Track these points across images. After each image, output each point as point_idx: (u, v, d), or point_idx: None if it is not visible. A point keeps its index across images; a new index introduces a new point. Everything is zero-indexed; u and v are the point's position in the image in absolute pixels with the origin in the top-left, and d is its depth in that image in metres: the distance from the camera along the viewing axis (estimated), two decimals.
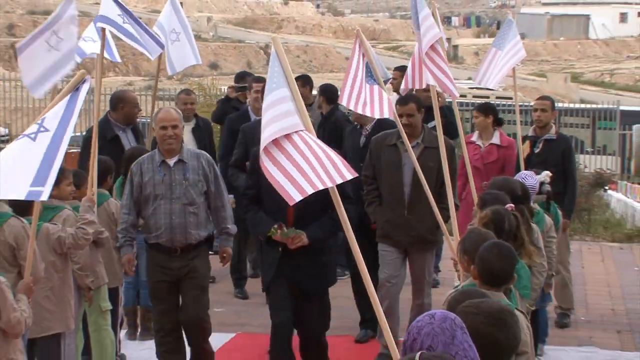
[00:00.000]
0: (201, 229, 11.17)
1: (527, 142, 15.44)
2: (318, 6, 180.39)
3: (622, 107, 37.83)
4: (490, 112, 15.91)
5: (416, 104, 12.05)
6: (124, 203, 11.40)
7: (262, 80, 15.48)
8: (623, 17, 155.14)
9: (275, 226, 10.59)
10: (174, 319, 10.82)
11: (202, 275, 11.23)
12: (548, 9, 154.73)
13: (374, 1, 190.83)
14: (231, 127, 16.19)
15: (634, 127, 23.39)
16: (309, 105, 16.95)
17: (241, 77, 20.72)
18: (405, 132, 11.65)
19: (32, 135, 9.28)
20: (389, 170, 11.48)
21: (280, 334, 10.93)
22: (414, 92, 15.36)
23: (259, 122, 10.91)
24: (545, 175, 12.85)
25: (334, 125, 16.39)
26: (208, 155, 11.11)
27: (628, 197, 28.00)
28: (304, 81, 18.60)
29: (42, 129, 9.39)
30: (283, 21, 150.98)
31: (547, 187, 13.20)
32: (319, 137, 11.44)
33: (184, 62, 18.09)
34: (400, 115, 11.73)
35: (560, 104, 38.12)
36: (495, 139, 15.26)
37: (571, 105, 46.09)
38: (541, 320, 13.13)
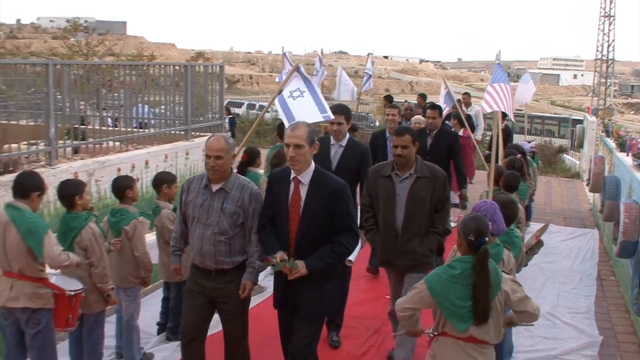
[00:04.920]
0: (235, 255, 6.20)
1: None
2: (435, 64, 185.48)
3: (572, 117, 39.14)
4: (456, 119, 13.60)
5: (411, 136, 7.06)
6: (177, 214, 6.67)
7: (395, 107, 11.19)
8: (575, 77, 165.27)
9: (265, 261, 6.08)
10: (198, 331, 6.32)
11: (235, 301, 6.23)
12: (541, 71, 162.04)
13: (460, 64, 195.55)
14: (372, 141, 10.72)
15: (577, 126, 23.52)
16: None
17: (387, 97, 18.81)
18: (398, 163, 7.05)
19: (298, 94, 8.02)
20: (383, 199, 7.00)
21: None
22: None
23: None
24: (533, 142, 13.13)
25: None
26: (255, 190, 6.21)
27: (572, 158, 27.66)
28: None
29: (301, 90, 8.22)
30: (419, 71, 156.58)
31: (534, 149, 13.38)
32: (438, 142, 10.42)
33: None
34: (395, 146, 7.02)
35: (544, 114, 40.40)
36: (461, 133, 13.24)
37: (549, 115, 47.01)
38: (528, 210, 13.10)
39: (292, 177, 5.83)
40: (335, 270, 6.01)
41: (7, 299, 5.77)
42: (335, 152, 7.83)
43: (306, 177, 5.79)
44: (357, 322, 8.62)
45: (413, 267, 6.88)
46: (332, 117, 7.99)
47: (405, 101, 24.79)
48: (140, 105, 15.02)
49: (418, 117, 11.76)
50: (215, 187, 6.08)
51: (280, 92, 8.52)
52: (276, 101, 8.59)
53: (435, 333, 5.01)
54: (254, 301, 8.50)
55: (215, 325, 6.81)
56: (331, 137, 7.97)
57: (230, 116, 23.83)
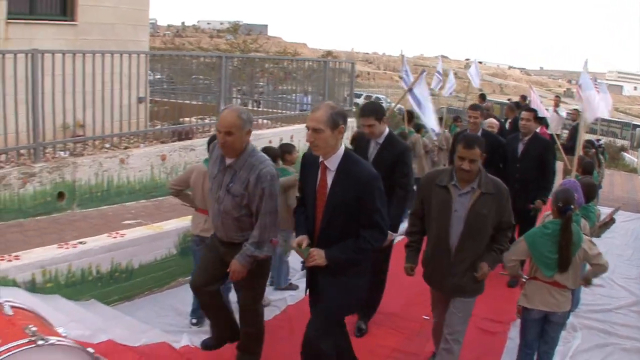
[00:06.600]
0: (245, 231, 4.77)
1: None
2: (521, 71, 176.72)
3: (633, 122, 37.74)
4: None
5: (481, 148, 4.71)
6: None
7: (477, 109, 8.36)
8: (635, 88, 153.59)
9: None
10: (204, 283, 5.01)
11: (249, 277, 4.82)
12: (607, 82, 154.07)
13: (542, 72, 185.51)
14: (454, 140, 8.23)
15: (637, 129, 23.02)
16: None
17: (481, 96, 18.37)
18: (463, 177, 4.78)
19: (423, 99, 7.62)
20: (437, 212, 4.89)
21: None
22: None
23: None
24: (602, 140, 12.94)
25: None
26: (264, 171, 4.60)
27: (631, 156, 26.80)
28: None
29: (424, 95, 7.91)
30: (507, 76, 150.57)
31: (603, 146, 13.18)
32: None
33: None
34: (462, 158, 4.73)
35: (609, 119, 38.99)
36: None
37: (613, 119, 44.94)
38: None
39: (320, 161, 4.42)
40: (360, 265, 4.47)
41: (201, 230, 6.03)
42: (373, 147, 6.06)
43: (333, 162, 4.36)
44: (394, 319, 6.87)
45: (461, 291, 4.94)
46: (440, 131, 7.49)
47: (509, 99, 24.42)
48: (302, 94, 15.79)
49: (491, 120, 10.32)
50: (227, 162, 4.75)
51: (410, 89, 8.54)
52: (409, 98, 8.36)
53: (528, 277, 5.23)
54: (293, 299, 7.17)
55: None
56: None
57: None
